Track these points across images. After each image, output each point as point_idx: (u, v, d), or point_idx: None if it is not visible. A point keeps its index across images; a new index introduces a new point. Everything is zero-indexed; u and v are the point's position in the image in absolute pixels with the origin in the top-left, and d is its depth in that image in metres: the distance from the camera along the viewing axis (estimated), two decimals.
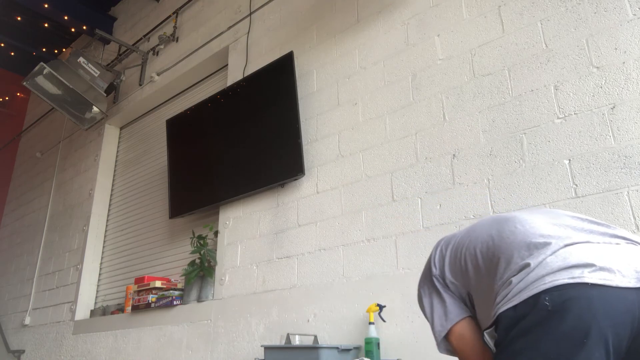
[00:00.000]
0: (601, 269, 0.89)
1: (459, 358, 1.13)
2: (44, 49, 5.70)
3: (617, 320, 0.86)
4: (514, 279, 0.95)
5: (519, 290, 0.92)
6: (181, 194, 3.53)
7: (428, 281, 1.21)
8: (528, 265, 0.94)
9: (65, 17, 4.94)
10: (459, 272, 1.14)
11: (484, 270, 1.06)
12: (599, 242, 0.97)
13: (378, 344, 2.10)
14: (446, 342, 1.15)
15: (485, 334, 1.01)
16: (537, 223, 1.04)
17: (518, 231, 1.03)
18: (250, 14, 3.57)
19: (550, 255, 0.94)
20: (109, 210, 4.59)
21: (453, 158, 2.22)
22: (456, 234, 1.21)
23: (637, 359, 0.89)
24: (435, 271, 1.19)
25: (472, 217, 2.07)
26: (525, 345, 0.88)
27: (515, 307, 0.91)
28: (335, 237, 2.54)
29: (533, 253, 0.96)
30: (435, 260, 1.21)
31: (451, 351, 1.16)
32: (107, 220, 4.55)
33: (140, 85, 4.46)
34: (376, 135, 2.54)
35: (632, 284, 0.88)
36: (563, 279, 0.88)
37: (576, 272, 0.88)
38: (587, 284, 0.87)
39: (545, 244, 0.96)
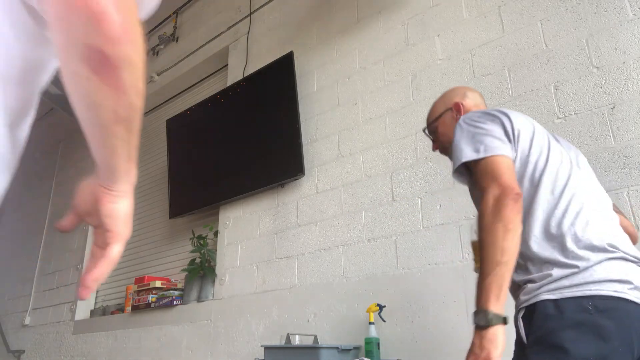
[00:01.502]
0: (636, 288, 1.00)
1: (485, 181, 1.13)
2: None
3: None
4: (557, 272, 1.03)
5: (562, 287, 1.01)
6: (181, 194, 3.53)
7: (490, 116, 1.25)
8: (577, 267, 1.02)
9: None
10: (531, 148, 1.21)
11: (537, 188, 1.15)
12: (634, 262, 1.07)
13: (378, 344, 2.09)
14: (469, 169, 1.21)
15: (520, 319, 1.08)
16: (599, 220, 1.11)
17: (585, 212, 1.10)
18: (250, 14, 3.57)
19: (597, 264, 1.02)
20: None
21: None
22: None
23: None
24: (508, 121, 1.23)
25: (472, 217, 2.07)
26: (565, 339, 0.96)
27: (556, 300, 1.00)
28: (335, 237, 2.53)
29: (584, 255, 1.03)
30: (513, 117, 1.24)
31: (465, 181, 1.26)
32: None
33: None
34: (376, 135, 2.54)
35: None
36: (608, 290, 0.99)
37: (619, 287, 0.99)
38: (627, 300, 0.98)
39: (594, 251, 1.04)
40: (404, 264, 2.22)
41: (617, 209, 1.34)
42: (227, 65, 3.69)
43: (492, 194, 1.08)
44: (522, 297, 1.08)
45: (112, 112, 0.55)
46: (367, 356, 2.06)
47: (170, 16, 4.40)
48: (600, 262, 1.03)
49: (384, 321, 2.16)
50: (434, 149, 1.56)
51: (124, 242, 0.64)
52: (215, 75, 3.94)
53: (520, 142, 1.20)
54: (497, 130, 1.21)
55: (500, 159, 1.15)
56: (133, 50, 0.49)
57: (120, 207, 0.62)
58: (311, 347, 2.11)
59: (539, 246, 1.08)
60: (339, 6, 2.98)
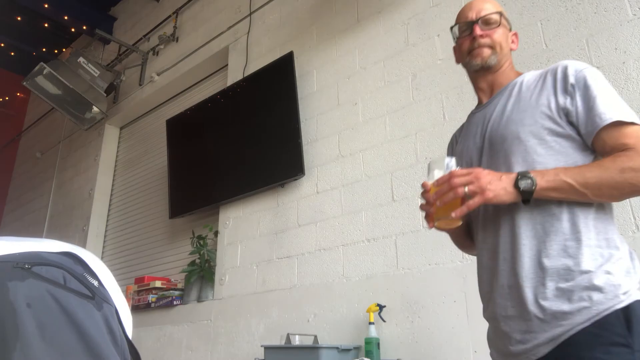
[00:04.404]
0: None
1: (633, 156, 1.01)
2: (44, 49, 5.69)
3: None
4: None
5: None
6: (181, 194, 3.53)
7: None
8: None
9: (65, 17, 4.95)
10: None
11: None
12: None
13: (378, 344, 2.09)
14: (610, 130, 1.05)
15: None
16: None
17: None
18: (250, 14, 3.57)
19: None
20: (109, 210, 4.59)
21: None
22: None
23: None
24: None
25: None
26: None
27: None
28: (335, 237, 2.53)
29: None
30: None
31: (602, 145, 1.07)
32: (107, 220, 4.55)
33: (140, 85, 4.46)
34: (376, 135, 2.54)
35: None
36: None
37: None
38: None
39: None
40: (404, 264, 2.22)
41: None
42: (227, 65, 3.69)
43: None
44: (597, 305, 0.98)
45: None
46: (367, 356, 2.06)
47: (170, 16, 4.40)
48: None
49: (384, 321, 2.17)
50: (480, 36, 1.24)
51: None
52: (215, 75, 3.94)
53: None
54: None
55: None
56: None
57: None
58: (311, 347, 2.11)
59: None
60: (339, 6, 2.98)
